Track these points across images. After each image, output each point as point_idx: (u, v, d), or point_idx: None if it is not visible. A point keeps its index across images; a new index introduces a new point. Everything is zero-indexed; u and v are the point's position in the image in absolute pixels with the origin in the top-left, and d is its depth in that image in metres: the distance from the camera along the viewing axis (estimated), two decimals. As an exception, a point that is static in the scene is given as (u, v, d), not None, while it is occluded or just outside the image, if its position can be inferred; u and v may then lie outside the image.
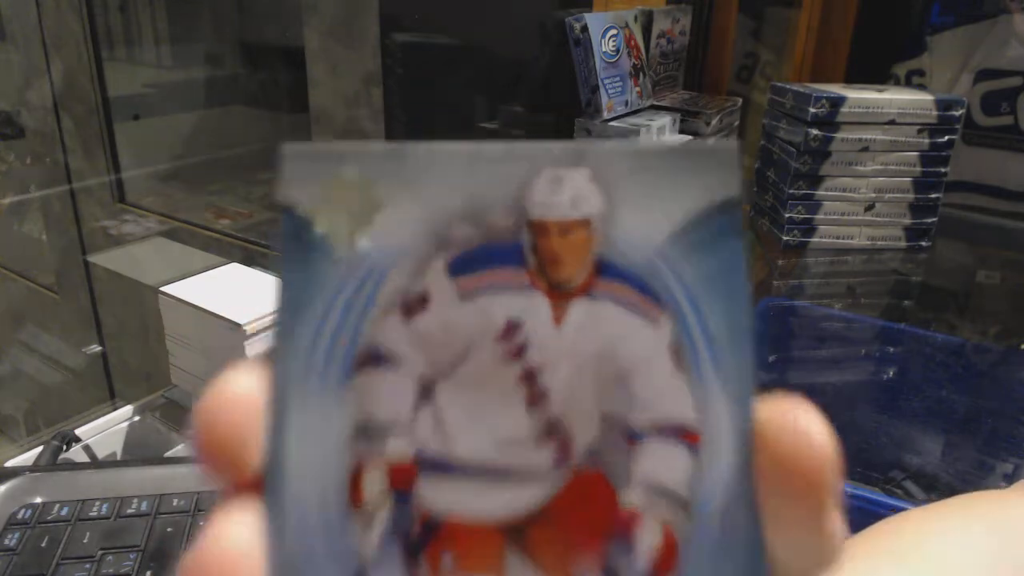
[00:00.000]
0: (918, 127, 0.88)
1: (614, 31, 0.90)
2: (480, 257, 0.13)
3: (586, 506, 0.13)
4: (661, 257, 0.13)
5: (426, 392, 0.13)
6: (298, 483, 0.12)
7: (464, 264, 0.13)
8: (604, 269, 0.13)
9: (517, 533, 0.13)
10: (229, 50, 2.35)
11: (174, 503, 0.44)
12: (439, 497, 0.13)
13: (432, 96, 1.55)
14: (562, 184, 0.13)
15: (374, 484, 0.13)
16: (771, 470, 0.12)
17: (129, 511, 0.44)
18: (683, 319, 0.13)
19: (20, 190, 2.43)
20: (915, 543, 0.23)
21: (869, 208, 0.92)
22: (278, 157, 0.13)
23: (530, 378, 0.13)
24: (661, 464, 0.13)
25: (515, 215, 0.13)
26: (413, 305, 0.13)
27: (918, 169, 0.90)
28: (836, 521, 0.13)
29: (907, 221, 0.93)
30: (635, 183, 0.13)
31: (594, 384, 0.13)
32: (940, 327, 0.83)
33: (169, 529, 0.43)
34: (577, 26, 0.86)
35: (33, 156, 2.24)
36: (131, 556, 0.41)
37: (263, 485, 0.12)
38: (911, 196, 0.92)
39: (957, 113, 0.88)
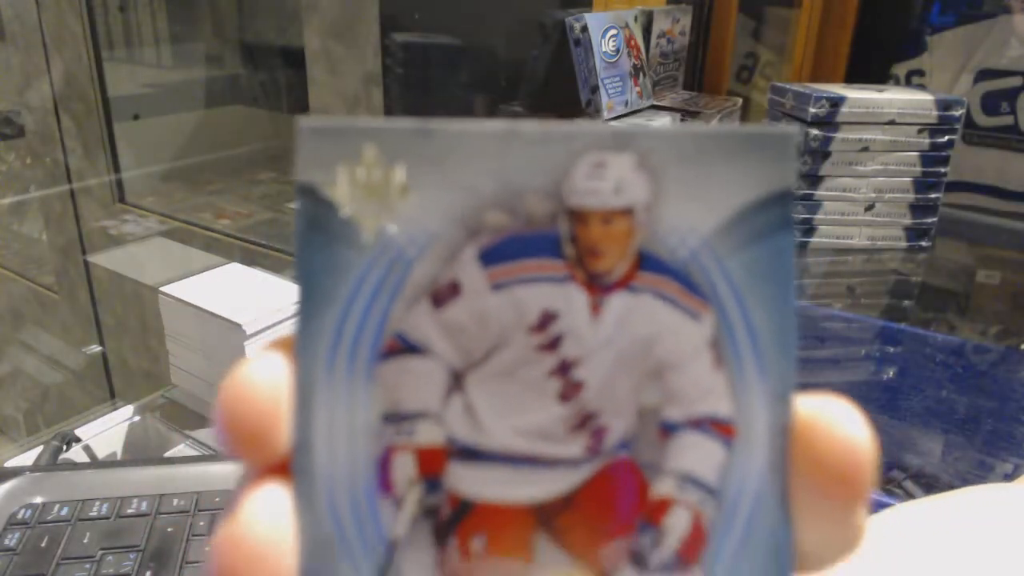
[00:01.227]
0: (918, 127, 0.88)
1: (614, 31, 0.90)
2: (514, 246, 0.12)
3: (616, 493, 0.13)
4: (707, 250, 0.12)
5: (457, 381, 0.13)
6: (327, 467, 0.12)
7: (497, 253, 0.12)
8: (646, 262, 0.13)
9: (546, 517, 0.13)
10: (229, 50, 2.35)
11: (174, 503, 0.44)
12: (469, 482, 0.13)
13: (432, 96, 1.55)
14: (605, 170, 0.12)
15: (404, 469, 0.13)
16: (808, 467, 0.12)
17: (129, 511, 0.44)
18: (726, 315, 0.13)
19: (20, 190, 2.43)
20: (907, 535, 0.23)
21: (869, 208, 0.92)
22: (296, 133, 0.12)
23: (564, 370, 0.13)
24: (694, 455, 0.13)
25: (552, 202, 0.12)
26: (443, 294, 0.12)
27: (918, 169, 0.90)
28: (864, 516, 0.13)
29: (907, 221, 0.93)
30: (684, 171, 0.12)
31: (630, 378, 0.13)
32: (940, 327, 0.83)
33: (169, 529, 0.43)
34: (577, 26, 0.86)
35: (33, 156, 2.24)
36: (131, 556, 0.41)
37: (292, 468, 0.12)
38: (911, 196, 0.92)
39: (957, 113, 0.88)
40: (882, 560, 0.20)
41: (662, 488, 0.13)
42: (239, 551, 0.11)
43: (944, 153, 0.90)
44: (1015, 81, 1.05)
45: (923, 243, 0.94)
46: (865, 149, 0.89)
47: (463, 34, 1.52)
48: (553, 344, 0.13)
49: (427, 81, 1.57)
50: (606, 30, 0.89)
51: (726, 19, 1.19)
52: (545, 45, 1.23)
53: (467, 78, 1.55)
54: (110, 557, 0.41)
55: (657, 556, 0.13)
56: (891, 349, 0.74)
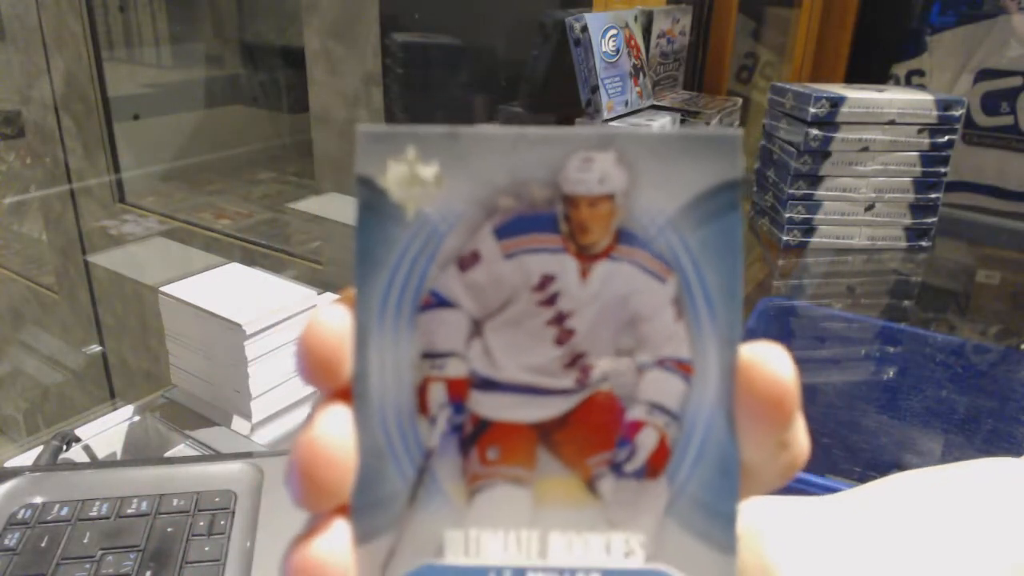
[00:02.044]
0: (918, 127, 0.88)
1: (614, 31, 0.90)
2: (521, 223, 0.16)
3: (600, 416, 0.16)
4: (671, 227, 0.16)
5: (477, 329, 0.16)
6: (379, 392, 0.16)
7: (508, 229, 0.16)
8: (623, 236, 0.16)
9: (545, 434, 0.16)
10: (229, 50, 2.35)
11: (174, 503, 0.44)
12: (486, 406, 0.16)
13: (432, 96, 1.55)
14: (592, 164, 0.16)
15: (437, 395, 0.16)
16: (747, 395, 0.16)
17: (129, 511, 0.44)
18: (686, 278, 0.16)
19: (20, 190, 2.43)
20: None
21: (869, 208, 0.92)
22: (356, 136, 0.16)
23: (559, 321, 0.16)
24: (660, 388, 0.16)
25: (551, 189, 0.16)
26: (466, 261, 0.16)
27: (918, 169, 0.90)
28: (797, 440, 0.16)
29: (907, 221, 0.93)
30: (653, 165, 0.16)
31: (611, 326, 0.16)
32: (940, 327, 0.83)
33: (169, 529, 0.43)
34: (577, 26, 0.86)
35: (33, 156, 2.24)
36: (131, 556, 0.41)
37: (352, 393, 0.16)
38: (911, 196, 0.92)
39: (957, 113, 0.88)
40: (879, 517, 0.23)
41: (635, 413, 0.16)
42: (313, 450, 0.15)
43: (944, 153, 0.90)
44: (1015, 81, 1.05)
45: (923, 243, 0.94)
46: (865, 149, 0.89)
47: (463, 34, 1.52)
48: (551, 300, 0.16)
49: (427, 81, 1.57)
50: (606, 30, 0.89)
51: (726, 19, 1.19)
52: (545, 45, 1.23)
53: (467, 78, 1.55)
54: (110, 557, 0.41)
55: (631, 466, 0.16)
56: (891, 349, 0.74)
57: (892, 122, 0.88)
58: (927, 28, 1.11)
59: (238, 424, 0.59)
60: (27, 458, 0.54)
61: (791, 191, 0.91)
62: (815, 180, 0.91)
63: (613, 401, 0.16)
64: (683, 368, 0.16)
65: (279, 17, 2.12)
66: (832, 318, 0.80)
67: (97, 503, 0.44)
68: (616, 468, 0.16)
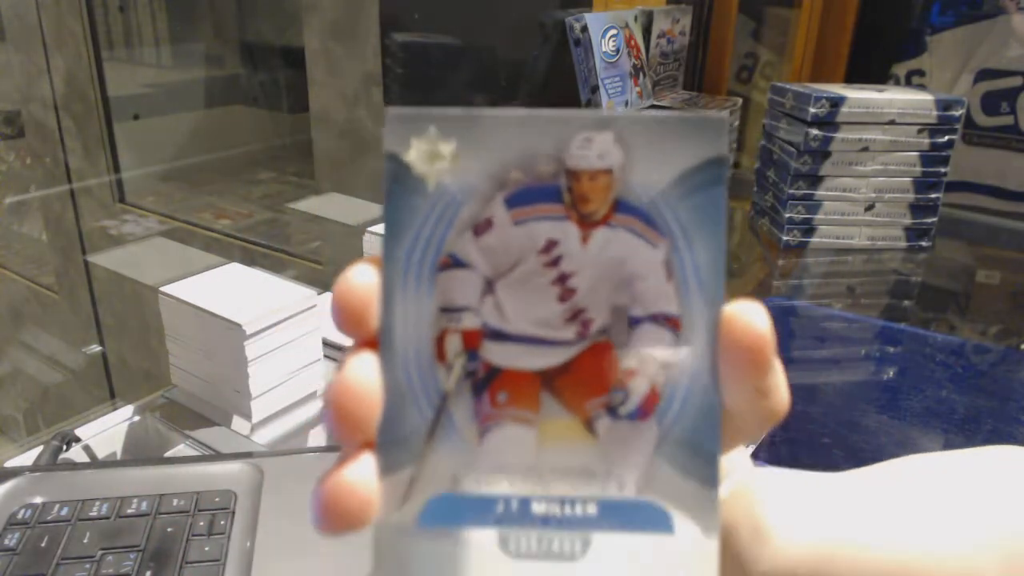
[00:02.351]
0: (918, 127, 0.88)
1: (614, 31, 0.90)
2: (529, 194, 0.18)
3: (597, 365, 0.18)
4: (662, 198, 0.18)
5: (489, 287, 0.18)
6: (402, 342, 0.18)
7: (517, 199, 0.18)
8: (620, 206, 0.18)
9: (549, 380, 0.18)
10: (229, 50, 2.35)
11: (174, 503, 0.44)
12: (497, 355, 0.18)
13: (432, 96, 1.55)
14: (592, 143, 0.18)
15: (453, 345, 0.18)
16: (727, 346, 0.17)
17: (129, 511, 0.44)
18: (675, 243, 0.18)
19: (20, 190, 2.43)
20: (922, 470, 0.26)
21: (869, 208, 0.92)
22: (385, 117, 0.18)
23: (562, 280, 0.18)
24: (651, 340, 0.18)
25: (556, 164, 0.18)
26: (480, 227, 0.18)
27: (918, 169, 0.90)
28: (775, 389, 0.18)
29: (907, 221, 0.93)
30: (646, 143, 0.18)
31: (608, 286, 0.18)
32: (940, 327, 0.83)
33: (169, 529, 0.43)
34: (577, 26, 0.86)
35: (33, 156, 2.24)
36: (131, 556, 0.41)
37: (379, 342, 0.18)
38: (911, 196, 0.92)
39: (957, 113, 0.88)
40: (877, 489, 0.24)
41: (629, 362, 0.18)
42: (345, 388, 0.17)
43: (944, 153, 0.90)
44: (1015, 81, 1.05)
45: (923, 243, 0.94)
46: (865, 149, 0.89)
47: (463, 34, 1.52)
48: (555, 262, 0.18)
49: (427, 81, 1.57)
50: (606, 30, 0.89)
51: (726, 19, 1.19)
52: (545, 45, 1.23)
53: (467, 78, 1.55)
54: (110, 557, 0.41)
55: (624, 409, 0.18)
56: (891, 349, 0.74)
57: (892, 122, 0.88)
58: (927, 28, 1.11)
59: (238, 424, 0.59)
60: (27, 458, 0.54)
61: (791, 191, 0.91)
62: (815, 180, 0.91)
63: (609, 351, 0.18)
64: (672, 323, 0.18)
65: (279, 17, 2.12)
66: (832, 318, 0.80)
67: (97, 503, 0.44)
68: (611, 411, 0.18)
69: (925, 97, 0.88)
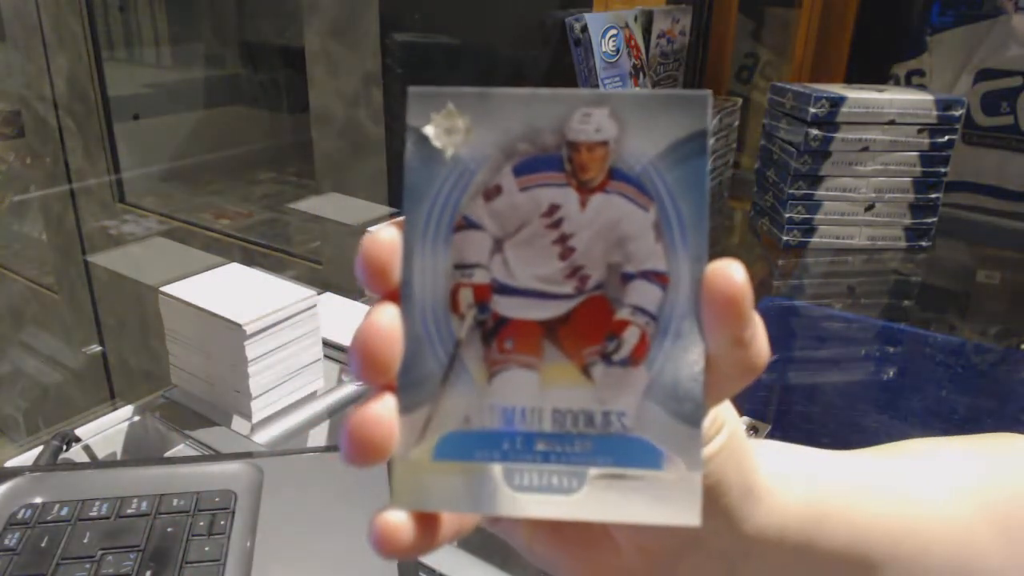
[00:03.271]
0: (918, 127, 0.88)
1: (614, 31, 0.90)
2: (534, 164, 0.20)
3: (594, 316, 0.20)
4: (652, 167, 0.20)
5: (498, 246, 0.20)
6: (420, 295, 0.20)
7: (524, 167, 0.20)
8: (614, 174, 0.20)
9: (551, 329, 0.20)
10: (229, 50, 2.35)
11: (174, 503, 0.44)
12: (504, 307, 0.20)
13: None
14: (590, 117, 0.20)
15: (466, 298, 0.20)
16: (709, 297, 0.19)
17: (129, 511, 0.44)
18: (664, 208, 0.20)
19: (20, 190, 2.43)
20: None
21: (869, 208, 0.92)
22: (408, 96, 0.20)
23: (563, 240, 0.20)
24: (642, 294, 0.20)
25: (558, 137, 0.20)
26: (491, 193, 0.20)
27: (918, 169, 0.90)
28: (753, 340, 0.19)
29: (907, 221, 0.93)
30: (638, 118, 0.20)
31: (603, 245, 0.20)
32: (940, 327, 0.83)
33: (169, 529, 0.43)
34: (577, 26, 0.86)
35: (33, 156, 2.24)
36: (131, 556, 0.41)
37: (400, 295, 0.20)
38: (911, 196, 0.92)
39: (957, 113, 0.88)
40: (877, 451, 0.26)
41: (622, 314, 0.20)
42: (370, 332, 0.19)
43: (944, 153, 0.90)
44: (1015, 81, 1.05)
45: (923, 243, 0.94)
46: (865, 149, 0.89)
47: (463, 34, 1.52)
48: (556, 224, 0.20)
49: (427, 81, 1.57)
50: (606, 30, 0.89)
51: (726, 19, 1.19)
52: (545, 45, 1.23)
53: (467, 78, 1.55)
54: (110, 557, 0.41)
55: (618, 356, 0.20)
56: (891, 349, 0.74)
57: (892, 122, 0.88)
58: (927, 28, 1.11)
59: (238, 424, 0.59)
60: (27, 458, 0.54)
61: (791, 191, 0.91)
62: (815, 180, 0.91)
63: (604, 304, 0.20)
64: (660, 279, 0.20)
65: (279, 17, 2.12)
66: (832, 318, 0.80)
67: (97, 503, 0.44)
68: (606, 358, 0.20)
69: (925, 97, 0.88)
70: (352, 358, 0.19)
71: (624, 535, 0.23)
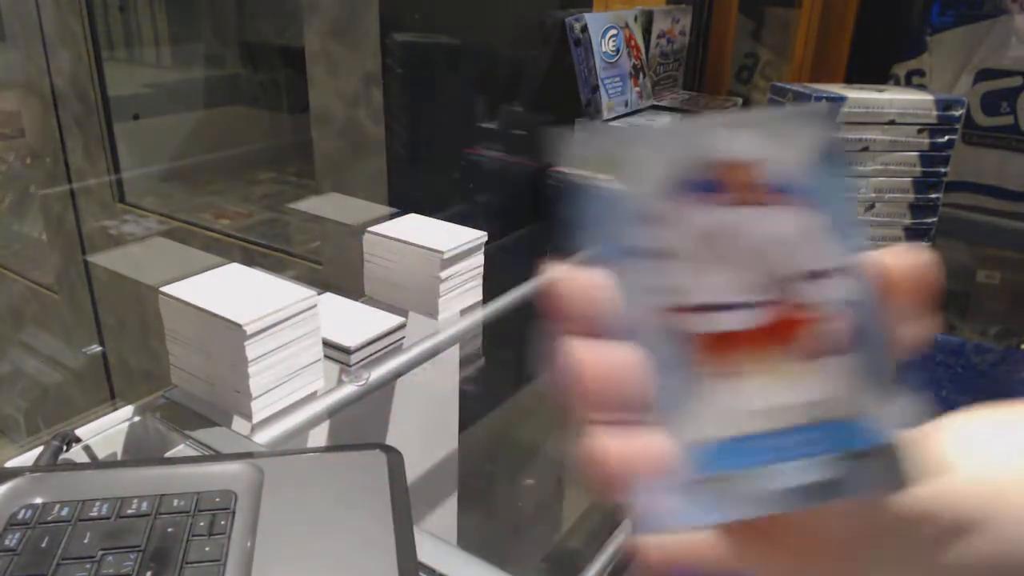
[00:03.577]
0: (918, 127, 0.88)
1: (614, 31, 0.90)
2: (695, 187, 0.21)
3: (790, 318, 0.22)
4: (801, 178, 0.21)
5: (686, 268, 0.21)
6: (631, 324, 0.21)
7: (686, 192, 0.21)
8: (772, 188, 0.21)
9: (764, 335, 0.21)
10: (229, 50, 2.35)
11: (174, 503, 0.44)
12: (711, 322, 0.21)
13: (432, 96, 1.55)
14: (736, 140, 0.21)
15: (676, 320, 0.21)
16: (896, 282, 0.21)
17: (129, 511, 0.44)
18: (820, 209, 0.21)
19: (20, 190, 2.43)
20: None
21: (869, 208, 0.92)
22: (575, 130, 0.21)
23: (740, 255, 0.21)
24: (829, 289, 0.22)
25: (711, 161, 0.21)
26: (659, 219, 0.21)
27: (918, 169, 0.90)
28: (932, 313, 0.22)
29: (907, 221, 0.93)
30: (779, 136, 0.22)
31: (779, 253, 0.21)
32: (940, 327, 0.82)
33: (169, 529, 0.43)
34: (577, 26, 0.86)
35: (33, 156, 2.24)
36: (131, 556, 0.41)
37: (612, 329, 0.21)
38: (911, 196, 0.92)
39: (957, 113, 0.88)
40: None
41: (818, 311, 0.22)
42: (598, 374, 0.21)
43: (944, 153, 0.90)
44: (1015, 81, 1.05)
45: (923, 243, 0.94)
46: (865, 149, 0.89)
47: (463, 34, 1.52)
48: (731, 240, 0.21)
49: (427, 81, 1.57)
50: (606, 30, 0.89)
51: (726, 19, 1.19)
52: (545, 45, 1.23)
53: (467, 78, 1.55)
54: (110, 557, 0.41)
55: (826, 349, 0.21)
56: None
57: (892, 122, 0.88)
58: (927, 28, 1.11)
59: (238, 424, 0.59)
60: (27, 458, 0.54)
61: (791, 191, 0.91)
62: (815, 180, 0.91)
63: (795, 306, 0.22)
64: (839, 274, 0.22)
65: (279, 17, 2.12)
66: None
67: (97, 503, 0.44)
68: (816, 352, 0.22)
69: (925, 97, 0.88)
70: (577, 395, 0.20)
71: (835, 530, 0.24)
